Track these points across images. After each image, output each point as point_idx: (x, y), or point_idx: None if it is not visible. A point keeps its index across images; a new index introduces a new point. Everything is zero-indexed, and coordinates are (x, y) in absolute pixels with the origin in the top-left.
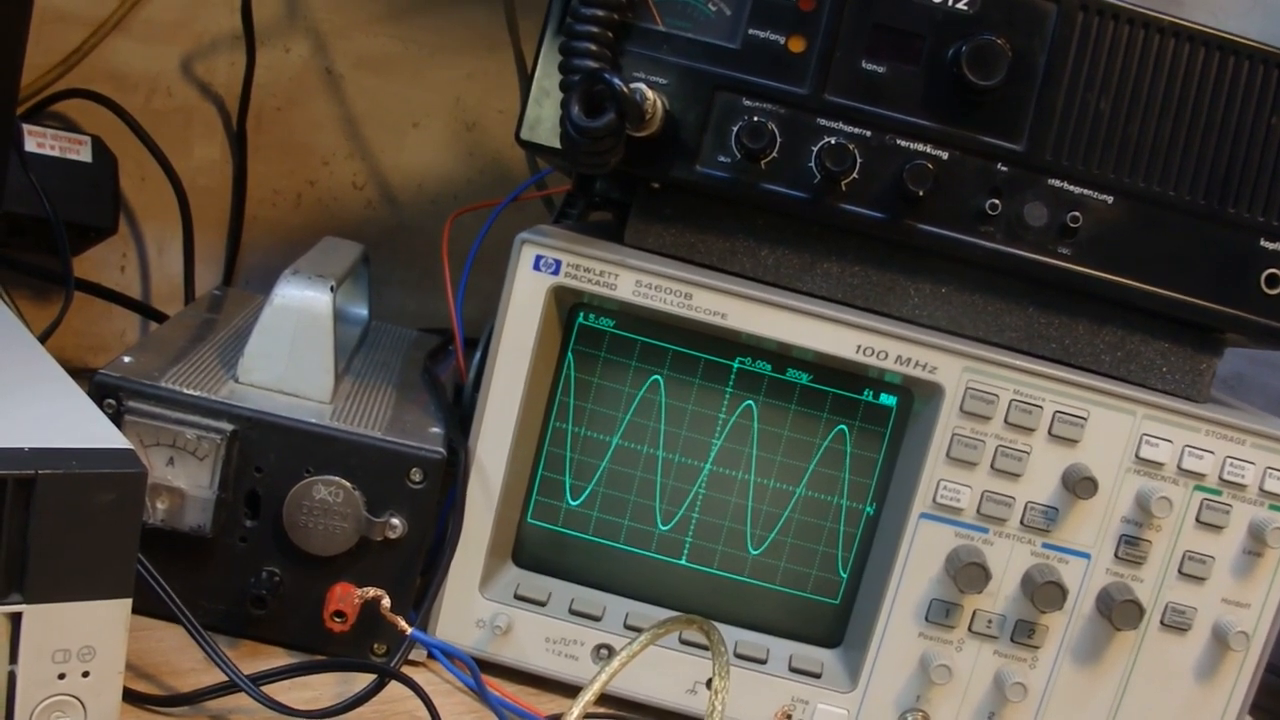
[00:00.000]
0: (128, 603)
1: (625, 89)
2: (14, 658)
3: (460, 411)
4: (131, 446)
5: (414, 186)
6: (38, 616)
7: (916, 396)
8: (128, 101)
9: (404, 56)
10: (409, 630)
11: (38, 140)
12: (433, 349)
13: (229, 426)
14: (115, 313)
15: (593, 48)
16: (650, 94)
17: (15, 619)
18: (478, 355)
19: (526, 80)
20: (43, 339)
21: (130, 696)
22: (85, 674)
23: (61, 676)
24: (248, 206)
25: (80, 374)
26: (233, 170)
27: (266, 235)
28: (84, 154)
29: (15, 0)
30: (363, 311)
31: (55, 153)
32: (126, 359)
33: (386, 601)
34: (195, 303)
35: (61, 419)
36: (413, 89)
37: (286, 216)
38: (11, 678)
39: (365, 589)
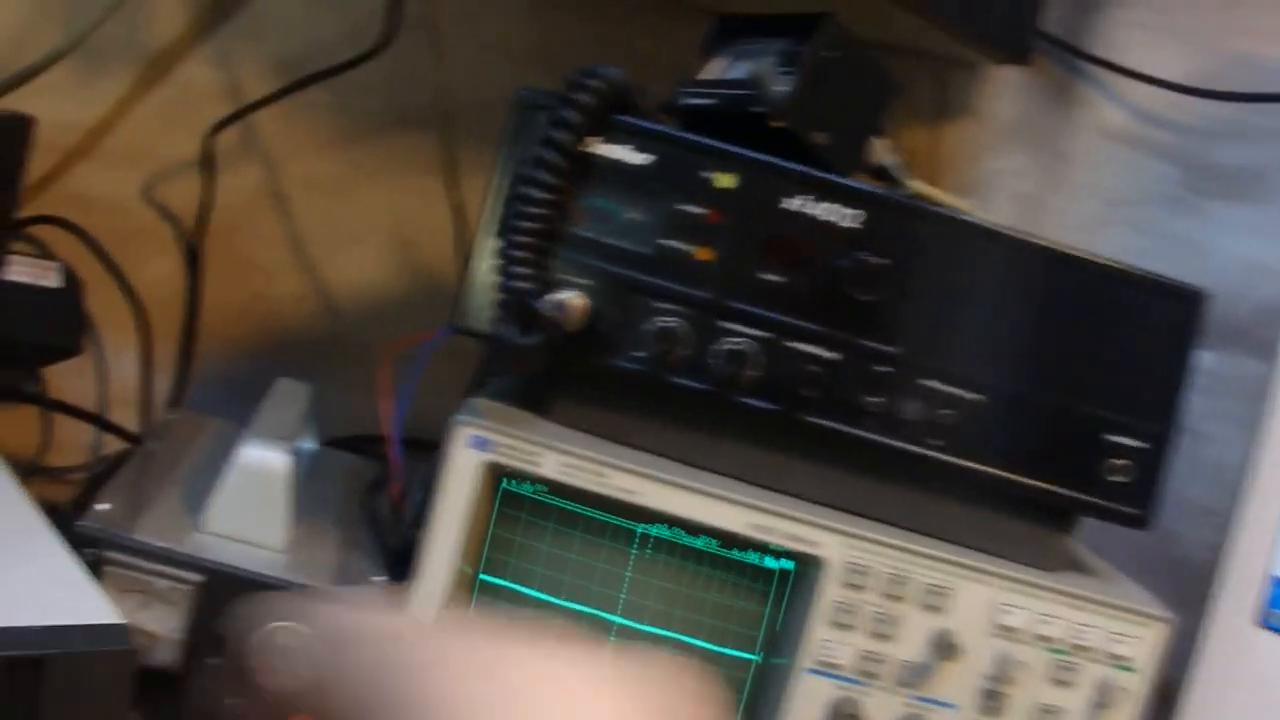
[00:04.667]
0: None
1: (553, 314)
2: None
3: (399, 543)
4: (125, 621)
5: (355, 298)
6: None
7: (805, 565)
8: (89, 221)
9: (348, 178)
10: None
11: (12, 268)
12: (371, 482)
13: (198, 577)
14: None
15: (527, 270)
16: (577, 301)
17: None
18: (418, 495)
19: (464, 254)
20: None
21: None
22: None
23: None
24: (201, 316)
25: (35, 471)
26: (187, 285)
27: (218, 345)
28: (54, 280)
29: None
30: (311, 445)
31: (26, 279)
32: (101, 507)
33: None
34: (152, 431)
35: (58, 592)
36: (354, 208)
37: (236, 329)
38: None
39: None
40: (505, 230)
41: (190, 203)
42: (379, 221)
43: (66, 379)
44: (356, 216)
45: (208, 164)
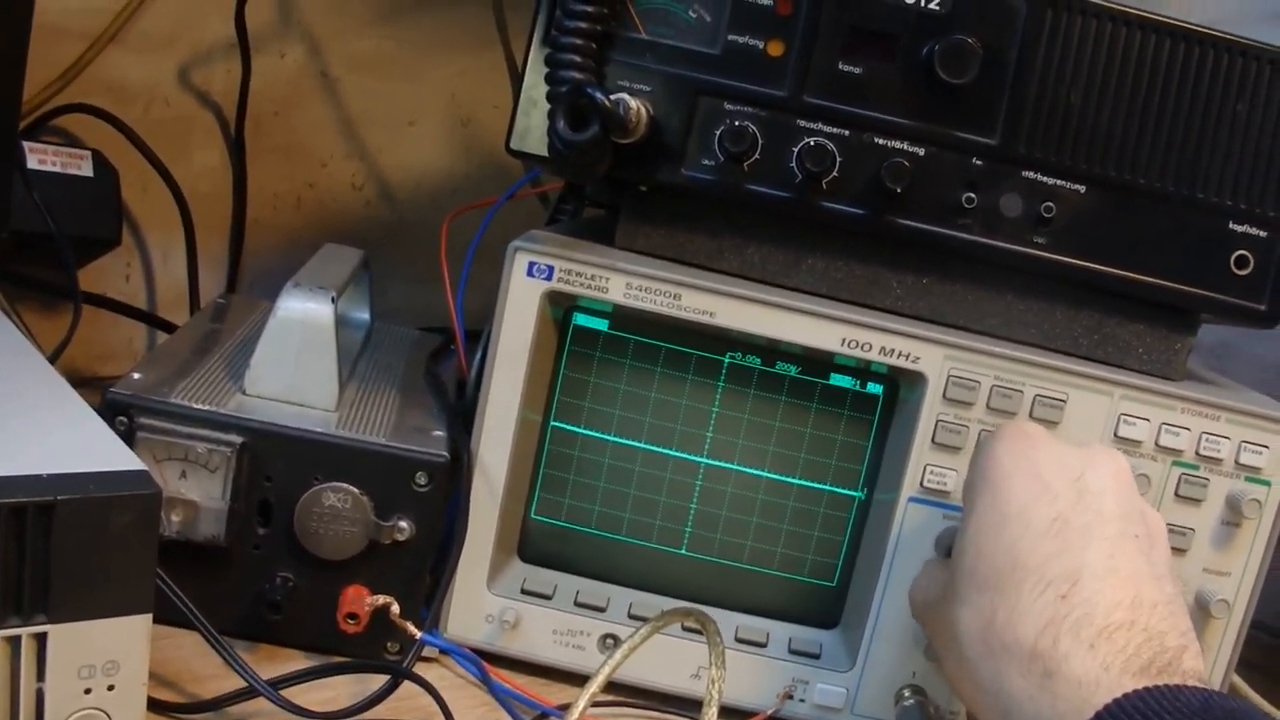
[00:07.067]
0: (149, 617)
1: (608, 102)
2: (41, 675)
3: (463, 408)
4: (145, 468)
5: (412, 184)
6: (62, 635)
7: (902, 385)
8: (126, 112)
9: (397, 56)
10: (418, 635)
11: (39, 157)
12: (434, 349)
13: (238, 439)
14: (122, 322)
15: (577, 59)
16: (634, 103)
17: (41, 639)
18: (479, 354)
19: (516, 84)
20: (53, 358)
21: (154, 706)
22: (110, 687)
23: (88, 691)
24: (249, 211)
25: (90, 383)
26: (233, 176)
27: (269, 238)
28: (85, 169)
29: (15, 20)
30: (365, 316)
31: (57, 169)
32: (136, 375)
33: (395, 609)
34: (200, 313)
35: (76, 443)
36: (407, 88)
37: (288, 219)
38: (39, 695)
39: (375, 597)
40: (557, 26)
41: (230, 89)
42: (433, 101)
43: (111, 280)
44: (408, 96)
45: (243, 44)
